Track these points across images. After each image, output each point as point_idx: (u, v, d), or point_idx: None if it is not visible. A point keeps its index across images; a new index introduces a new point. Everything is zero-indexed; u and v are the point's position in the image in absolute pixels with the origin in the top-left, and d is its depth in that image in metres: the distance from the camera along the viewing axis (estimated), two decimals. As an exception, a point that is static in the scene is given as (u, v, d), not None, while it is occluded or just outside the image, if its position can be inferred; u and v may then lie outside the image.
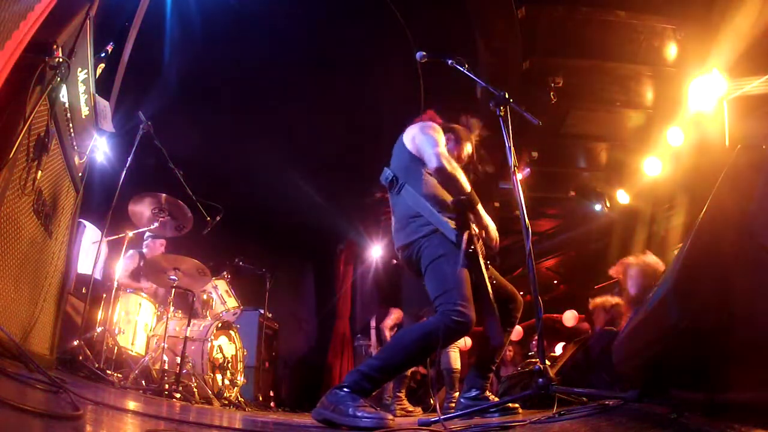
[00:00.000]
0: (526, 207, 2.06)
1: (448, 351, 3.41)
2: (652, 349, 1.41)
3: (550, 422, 1.57)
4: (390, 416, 1.69)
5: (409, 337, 1.96)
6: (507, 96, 2.23)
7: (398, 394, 3.64)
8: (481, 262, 2.06)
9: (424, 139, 2.26)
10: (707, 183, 1.11)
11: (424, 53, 2.46)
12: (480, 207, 2.26)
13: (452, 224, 2.10)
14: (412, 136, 2.32)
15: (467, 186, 2.20)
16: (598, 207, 6.42)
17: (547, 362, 1.82)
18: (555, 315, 8.45)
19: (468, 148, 2.58)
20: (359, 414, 1.66)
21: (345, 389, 1.76)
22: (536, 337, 2.03)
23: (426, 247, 2.11)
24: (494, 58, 5.19)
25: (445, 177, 2.18)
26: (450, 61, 2.40)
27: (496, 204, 6.91)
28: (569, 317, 8.34)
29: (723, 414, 0.97)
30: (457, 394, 3.33)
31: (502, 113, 2.21)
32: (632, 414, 1.42)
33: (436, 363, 3.83)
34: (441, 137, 2.30)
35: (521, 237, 2.11)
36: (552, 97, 4.90)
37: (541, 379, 1.66)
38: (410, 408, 3.67)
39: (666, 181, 5.40)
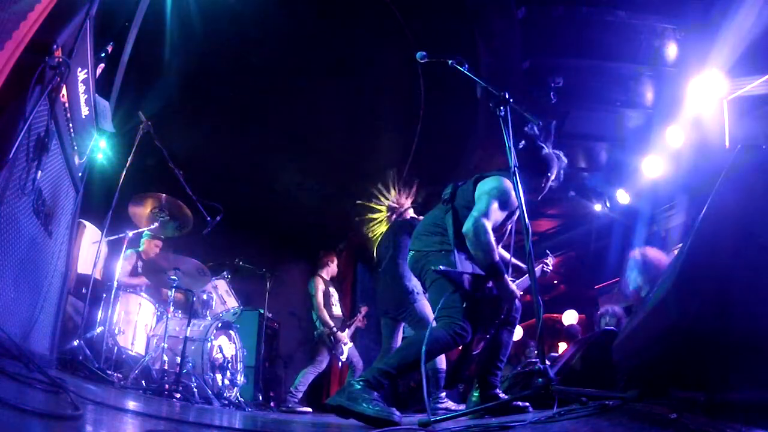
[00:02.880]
0: (526, 207, 2.07)
1: None
2: (652, 349, 1.41)
3: (550, 422, 1.57)
4: (398, 413, 1.86)
5: (420, 341, 2.06)
6: (507, 96, 2.23)
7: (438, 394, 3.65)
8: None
9: (482, 201, 2.28)
10: (707, 183, 1.11)
11: (425, 53, 2.47)
12: (506, 277, 2.27)
13: (469, 269, 2.25)
14: (483, 191, 2.33)
15: (495, 257, 2.20)
16: (598, 207, 6.42)
17: (547, 362, 1.82)
18: (555, 315, 8.46)
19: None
20: (371, 406, 1.84)
21: (361, 383, 1.93)
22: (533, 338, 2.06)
23: (437, 261, 2.25)
24: (494, 58, 5.19)
25: (471, 244, 2.21)
26: (450, 62, 2.40)
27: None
28: (569, 317, 8.35)
29: (723, 414, 0.97)
30: (443, 393, 3.33)
31: (502, 113, 2.21)
32: (632, 414, 1.42)
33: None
34: (503, 207, 2.31)
35: (521, 237, 2.11)
36: (552, 97, 4.90)
37: (541, 379, 1.66)
38: (453, 406, 3.68)
39: (666, 181, 5.40)
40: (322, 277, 5.14)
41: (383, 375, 1.98)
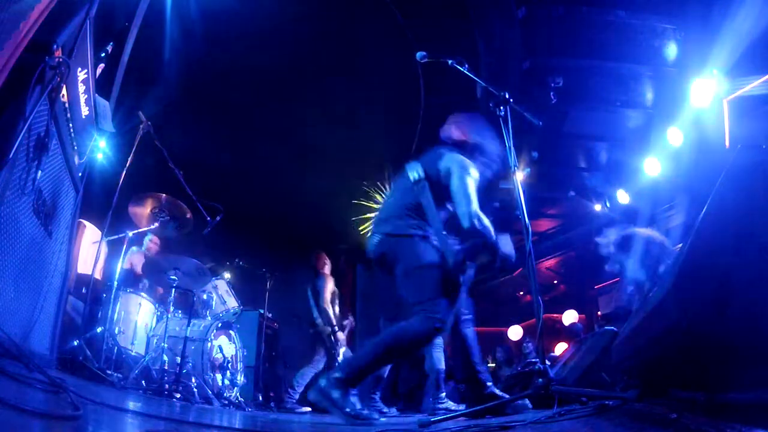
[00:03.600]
0: (526, 207, 2.07)
1: (433, 352, 3.41)
2: (652, 349, 1.41)
3: (550, 422, 1.57)
4: (366, 411, 1.91)
5: (396, 334, 2.10)
6: (507, 96, 2.23)
7: (372, 395, 3.65)
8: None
9: (461, 188, 2.26)
10: (707, 183, 1.11)
11: (425, 53, 2.47)
12: (499, 239, 2.28)
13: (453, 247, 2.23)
14: (449, 170, 2.32)
15: (492, 235, 2.24)
16: (598, 207, 6.42)
17: (547, 362, 1.82)
18: (555, 315, 8.46)
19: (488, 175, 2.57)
20: (347, 402, 1.91)
21: (337, 376, 1.96)
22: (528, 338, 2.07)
23: (410, 248, 2.21)
24: (494, 58, 5.19)
25: (474, 233, 2.22)
26: (450, 62, 2.40)
27: (496, 204, 6.92)
28: (569, 317, 8.35)
29: (723, 414, 0.97)
30: (443, 394, 3.33)
31: (502, 113, 2.22)
32: (632, 414, 1.42)
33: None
34: (474, 182, 2.31)
35: (521, 237, 2.12)
36: (552, 97, 4.90)
37: (541, 379, 1.66)
38: (384, 409, 3.68)
39: (666, 181, 5.39)
40: (331, 276, 5.15)
41: (358, 369, 2.01)
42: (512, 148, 2.15)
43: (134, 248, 4.21)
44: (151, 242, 4.36)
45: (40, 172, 1.71)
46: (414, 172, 2.39)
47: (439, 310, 2.08)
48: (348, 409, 1.90)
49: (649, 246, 3.36)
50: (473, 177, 2.32)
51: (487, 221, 2.25)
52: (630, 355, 1.76)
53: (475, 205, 2.24)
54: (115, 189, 3.27)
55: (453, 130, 2.56)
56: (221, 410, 3.17)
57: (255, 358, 5.11)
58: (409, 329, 2.07)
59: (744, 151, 1.07)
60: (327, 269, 5.23)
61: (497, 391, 2.42)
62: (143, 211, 3.80)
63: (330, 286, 5.06)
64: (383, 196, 4.09)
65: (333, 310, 4.98)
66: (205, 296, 4.19)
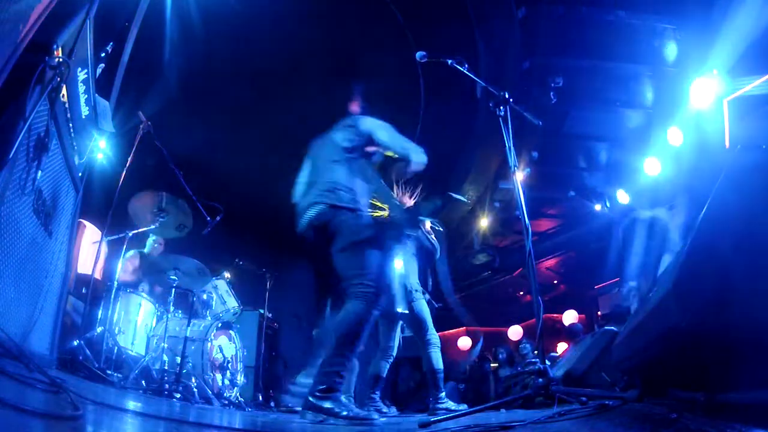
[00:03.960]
0: (526, 207, 2.07)
1: (430, 352, 3.41)
2: (652, 349, 1.41)
3: (550, 422, 1.57)
4: (363, 411, 1.97)
5: (342, 324, 2.14)
6: (507, 96, 2.23)
7: (372, 395, 3.65)
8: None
9: (392, 135, 2.52)
10: (707, 183, 1.11)
11: (425, 53, 2.47)
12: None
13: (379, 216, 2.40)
14: (370, 129, 2.53)
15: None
16: (598, 207, 6.42)
17: (547, 362, 1.82)
18: (555, 315, 8.46)
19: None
20: (341, 406, 1.92)
21: (320, 389, 1.96)
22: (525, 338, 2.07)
23: (348, 221, 2.30)
24: (494, 58, 5.19)
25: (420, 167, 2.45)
26: (450, 62, 2.41)
27: (497, 204, 6.92)
28: (569, 317, 8.35)
29: (723, 414, 0.97)
30: (443, 394, 3.32)
31: (502, 113, 2.22)
32: (632, 414, 1.42)
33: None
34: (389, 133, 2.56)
35: (521, 237, 2.12)
36: (552, 97, 4.90)
37: (541, 379, 1.66)
38: (384, 409, 3.68)
39: (666, 181, 5.39)
40: None
41: (332, 373, 2.02)
42: (512, 148, 2.15)
43: (131, 252, 4.19)
44: (156, 243, 4.35)
45: (40, 172, 1.71)
46: (345, 141, 2.56)
47: (372, 283, 2.16)
48: (345, 413, 1.91)
49: (653, 228, 3.39)
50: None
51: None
52: (630, 355, 1.76)
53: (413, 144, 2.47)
54: (115, 189, 3.27)
55: (354, 107, 2.85)
56: (221, 410, 3.17)
57: (255, 358, 5.10)
58: (351, 313, 2.12)
59: (744, 152, 1.07)
60: None
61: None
62: (143, 211, 3.79)
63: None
64: (387, 195, 4.10)
65: None
66: (205, 296, 4.19)
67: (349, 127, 2.59)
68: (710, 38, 4.06)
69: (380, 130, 2.55)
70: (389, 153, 2.61)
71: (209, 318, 4.04)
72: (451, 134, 6.59)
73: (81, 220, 3.26)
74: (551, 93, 4.90)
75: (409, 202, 4.04)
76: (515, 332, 9.27)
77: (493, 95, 2.26)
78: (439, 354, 3.45)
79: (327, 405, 1.93)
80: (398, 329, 3.80)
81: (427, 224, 4.00)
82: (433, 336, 3.47)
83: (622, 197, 6.05)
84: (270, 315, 5.54)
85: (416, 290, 3.58)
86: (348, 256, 2.26)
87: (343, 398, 2.00)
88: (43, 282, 1.96)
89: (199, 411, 2.48)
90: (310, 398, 1.96)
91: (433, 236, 3.98)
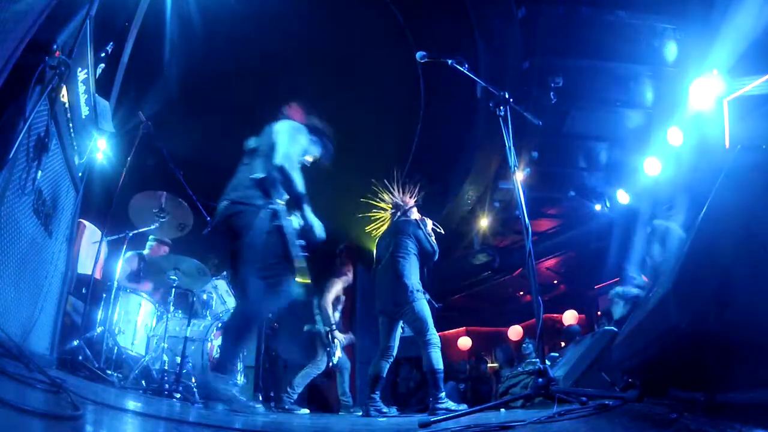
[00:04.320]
0: (526, 207, 2.07)
1: (430, 352, 3.41)
2: (652, 349, 1.41)
3: (550, 422, 1.57)
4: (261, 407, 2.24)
5: (239, 319, 2.46)
6: (507, 96, 2.23)
7: (372, 395, 3.65)
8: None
9: (282, 137, 2.65)
10: (707, 183, 1.11)
11: (425, 53, 2.47)
12: (307, 207, 2.70)
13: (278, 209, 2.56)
14: (278, 131, 2.69)
15: (301, 187, 2.63)
16: (598, 207, 6.43)
17: (547, 362, 1.82)
18: (555, 315, 8.47)
19: (316, 151, 3.03)
20: (227, 393, 2.20)
21: (213, 371, 2.29)
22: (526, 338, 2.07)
23: (255, 218, 2.48)
24: (494, 58, 5.19)
25: (283, 175, 2.58)
26: (450, 62, 2.41)
27: (497, 204, 6.92)
28: (569, 317, 8.35)
29: (723, 414, 0.97)
30: (443, 394, 3.31)
31: (502, 113, 2.22)
32: (632, 414, 1.42)
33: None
34: (299, 140, 2.72)
35: (521, 237, 2.12)
36: (552, 97, 4.90)
37: (541, 379, 1.66)
38: (384, 409, 3.68)
39: (666, 181, 5.40)
40: (340, 281, 5.19)
41: (225, 361, 2.32)
42: (512, 148, 2.15)
43: (129, 253, 4.18)
44: (160, 249, 4.33)
45: (40, 172, 1.71)
46: (251, 142, 2.78)
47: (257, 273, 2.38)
48: (229, 396, 2.20)
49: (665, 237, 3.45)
50: (301, 139, 2.72)
51: (297, 176, 2.62)
52: (630, 355, 1.76)
53: (289, 152, 2.59)
54: (115, 189, 3.27)
55: (293, 114, 2.94)
56: (221, 410, 3.17)
57: (255, 358, 5.10)
58: (247, 305, 2.40)
59: (744, 152, 1.07)
60: (343, 279, 5.26)
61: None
62: (143, 211, 3.79)
63: (335, 290, 5.07)
64: (390, 193, 4.10)
65: (333, 312, 4.99)
66: (205, 296, 4.18)
67: (272, 129, 2.77)
68: (710, 38, 4.06)
69: (283, 136, 2.67)
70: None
71: (209, 318, 4.04)
72: (451, 134, 6.60)
73: (81, 220, 3.26)
74: (551, 93, 4.90)
75: (410, 202, 4.03)
76: (515, 332, 9.28)
77: (493, 95, 2.26)
78: (440, 354, 3.45)
79: (214, 385, 2.23)
80: (398, 329, 3.79)
81: (429, 225, 4.00)
82: (434, 336, 3.46)
83: (622, 197, 6.05)
84: (270, 315, 5.53)
85: (417, 290, 3.58)
86: (248, 249, 2.44)
87: (232, 388, 2.27)
88: (43, 282, 1.96)
89: (199, 411, 2.47)
90: (210, 380, 2.29)
91: (433, 238, 3.97)
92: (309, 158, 3.00)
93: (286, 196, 2.68)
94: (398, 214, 4.00)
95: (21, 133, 1.47)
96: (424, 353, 3.44)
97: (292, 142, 2.66)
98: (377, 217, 4.18)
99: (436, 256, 3.89)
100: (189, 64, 4.84)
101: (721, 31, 3.89)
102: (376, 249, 4.02)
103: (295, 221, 2.71)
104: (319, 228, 2.80)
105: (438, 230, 4.10)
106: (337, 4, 5.12)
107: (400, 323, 3.75)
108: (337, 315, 5.16)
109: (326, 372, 5.03)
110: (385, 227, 4.16)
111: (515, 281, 9.11)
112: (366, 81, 5.76)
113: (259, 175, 2.57)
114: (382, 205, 4.17)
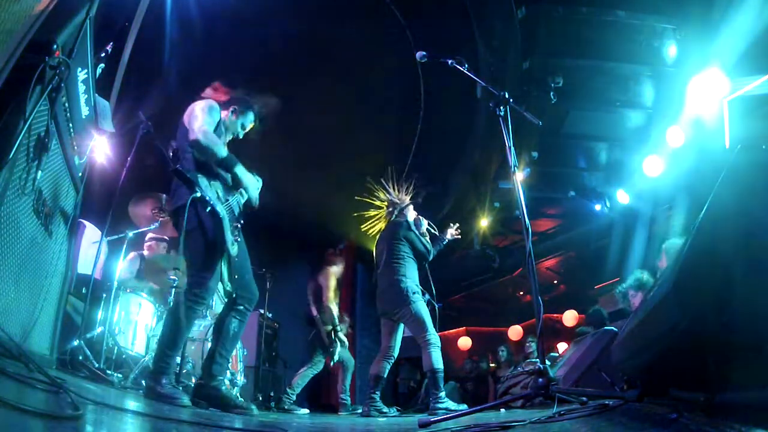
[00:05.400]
0: (526, 207, 2.07)
1: (430, 351, 3.41)
2: (652, 349, 1.41)
3: (550, 422, 1.57)
4: (186, 399, 2.21)
5: (169, 318, 2.40)
6: (507, 96, 2.23)
7: (372, 395, 3.65)
8: (224, 224, 2.42)
9: (194, 113, 2.52)
10: (707, 183, 1.11)
11: (425, 53, 2.47)
12: (239, 168, 2.58)
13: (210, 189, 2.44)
14: (188, 112, 2.57)
15: (222, 152, 2.49)
16: (598, 207, 6.42)
17: (547, 362, 1.82)
18: (555, 315, 8.46)
19: (250, 119, 2.88)
20: (164, 391, 2.19)
21: (152, 371, 2.29)
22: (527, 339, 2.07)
23: (185, 215, 2.36)
24: (494, 58, 5.19)
25: (199, 149, 2.45)
26: (450, 62, 2.41)
27: (497, 204, 6.92)
28: (569, 317, 8.35)
29: (723, 414, 0.97)
30: (443, 394, 3.32)
31: (502, 113, 2.22)
32: (632, 414, 1.42)
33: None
34: (210, 114, 2.55)
35: (521, 237, 2.12)
36: (552, 97, 4.90)
37: (541, 379, 1.66)
38: (384, 409, 3.68)
39: (666, 181, 5.40)
40: (334, 273, 5.10)
41: (160, 360, 2.32)
42: (512, 148, 2.15)
43: (132, 254, 4.18)
44: (161, 248, 4.33)
45: (40, 172, 1.71)
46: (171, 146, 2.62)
47: (192, 279, 2.36)
48: (161, 392, 2.18)
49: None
50: (212, 112, 2.55)
51: (218, 143, 2.49)
52: (630, 355, 1.76)
53: (204, 125, 2.44)
54: (115, 189, 3.27)
55: (212, 94, 2.76)
56: (220, 411, 3.16)
57: (255, 358, 5.10)
58: (175, 309, 2.33)
59: (744, 151, 1.07)
60: (335, 269, 5.15)
61: (223, 389, 2.48)
62: (143, 211, 3.79)
63: (333, 283, 5.01)
64: (386, 191, 4.10)
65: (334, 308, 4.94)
66: (205, 296, 4.17)
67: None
68: (710, 38, 4.06)
69: (199, 106, 2.55)
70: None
71: (209, 318, 4.04)
72: (451, 134, 6.59)
73: (81, 220, 3.26)
74: (551, 93, 4.90)
75: (406, 199, 4.03)
76: (515, 332, 9.27)
77: (493, 95, 2.26)
78: (440, 354, 3.45)
79: (150, 383, 2.25)
80: (400, 330, 3.80)
81: (424, 225, 4.00)
82: (433, 336, 3.47)
83: (622, 197, 6.05)
84: (270, 315, 5.54)
85: (414, 292, 3.59)
86: (185, 250, 2.39)
87: (167, 385, 2.25)
88: (43, 282, 1.96)
89: (199, 411, 2.47)
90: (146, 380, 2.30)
91: (428, 238, 3.97)
92: (244, 129, 2.87)
93: (217, 179, 2.54)
94: (394, 212, 4.00)
95: (21, 133, 1.47)
96: (424, 353, 3.44)
97: (205, 117, 2.51)
98: (373, 215, 4.18)
99: (431, 256, 3.89)
100: (189, 64, 4.83)
101: (721, 31, 3.89)
102: (375, 252, 4.04)
103: (233, 200, 2.58)
104: (253, 188, 2.72)
105: (433, 231, 4.10)
106: (337, 4, 5.12)
107: (401, 325, 3.77)
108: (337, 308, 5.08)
109: (329, 369, 5.00)
110: (380, 225, 4.16)
111: (515, 281, 9.11)
112: (366, 81, 5.76)
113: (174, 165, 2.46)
114: (378, 203, 4.17)
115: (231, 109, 2.75)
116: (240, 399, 2.61)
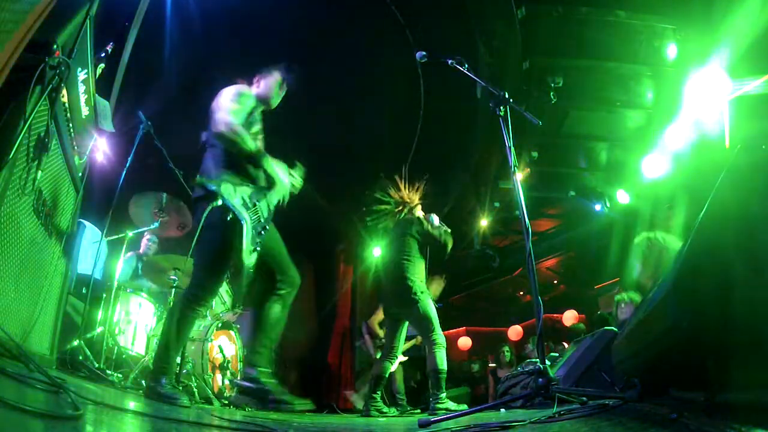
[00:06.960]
0: (526, 207, 2.07)
1: (435, 351, 3.40)
2: (652, 349, 1.41)
3: (550, 422, 1.57)
4: (186, 399, 2.18)
5: (169, 318, 2.35)
6: (507, 96, 2.23)
7: (373, 395, 3.65)
8: (245, 231, 2.26)
9: (221, 102, 2.40)
10: (707, 183, 1.11)
11: (425, 53, 2.47)
12: (268, 163, 2.42)
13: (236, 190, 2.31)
14: (216, 101, 2.44)
15: (249, 145, 2.33)
16: (598, 207, 6.42)
17: (547, 362, 1.82)
18: (555, 315, 8.46)
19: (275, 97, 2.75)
20: (164, 391, 2.18)
21: (153, 371, 2.28)
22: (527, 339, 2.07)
23: (201, 211, 2.28)
24: (494, 58, 5.19)
25: (225, 141, 2.32)
26: (450, 62, 2.41)
27: (497, 204, 6.92)
28: (569, 317, 8.35)
29: (723, 414, 0.97)
30: (443, 394, 3.31)
31: (502, 113, 2.22)
32: (632, 414, 1.42)
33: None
34: (239, 101, 2.41)
35: (521, 237, 2.12)
36: (552, 97, 4.90)
37: (541, 379, 1.65)
38: (385, 409, 3.68)
39: (666, 181, 5.40)
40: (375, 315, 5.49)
41: (160, 360, 2.31)
42: (512, 148, 2.15)
43: (129, 254, 4.18)
44: (151, 242, 4.34)
45: (40, 172, 1.71)
46: (203, 136, 2.51)
47: (198, 282, 2.30)
48: (161, 392, 2.16)
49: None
50: (244, 99, 2.43)
51: (245, 135, 2.32)
52: (630, 355, 1.76)
53: (228, 116, 2.31)
54: (115, 189, 3.27)
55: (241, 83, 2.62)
56: (221, 410, 3.17)
57: (255, 358, 5.09)
58: (175, 309, 2.30)
59: (744, 152, 1.07)
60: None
61: (262, 381, 2.43)
62: (143, 211, 3.79)
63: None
64: (395, 189, 4.08)
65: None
66: (205, 296, 4.18)
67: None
68: (710, 38, 4.06)
69: (226, 95, 2.42)
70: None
71: (209, 318, 4.04)
72: (451, 134, 6.60)
73: (81, 220, 3.26)
74: (551, 93, 4.90)
75: (416, 199, 4.02)
76: (515, 332, 9.27)
77: (493, 95, 2.26)
78: (444, 354, 3.44)
79: (150, 384, 2.24)
80: (404, 328, 3.78)
81: (436, 220, 3.96)
82: (439, 336, 3.45)
83: (622, 197, 6.05)
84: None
85: (421, 291, 3.57)
86: (196, 247, 2.31)
87: (166, 385, 2.24)
88: (43, 282, 1.96)
89: (199, 411, 2.47)
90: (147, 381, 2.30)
91: (444, 228, 3.91)
92: (281, 92, 2.79)
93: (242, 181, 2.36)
94: (404, 211, 3.98)
95: (21, 133, 1.47)
96: (428, 353, 3.43)
97: (230, 106, 2.36)
98: (380, 209, 4.14)
99: (449, 248, 3.84)
100: (189, 63, 4.83)
101: (721, 32, 3.89)
102: (381, 252, 4.02)
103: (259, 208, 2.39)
104: (283, 186, 2.53)
105: (445, 227, 4.07)
106: (337, 4, 5.12)
107: (405, 324, 3.75)
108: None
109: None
110: (386, 221, 4.13)
111: (515, 281, 9.12)
112: (366, 81, 5.76)
113: (199, 189, 2.31)
114: (387, 199, 4.14)
115: (256, 79, 2.68)
116: (285, 392, 2.52)
